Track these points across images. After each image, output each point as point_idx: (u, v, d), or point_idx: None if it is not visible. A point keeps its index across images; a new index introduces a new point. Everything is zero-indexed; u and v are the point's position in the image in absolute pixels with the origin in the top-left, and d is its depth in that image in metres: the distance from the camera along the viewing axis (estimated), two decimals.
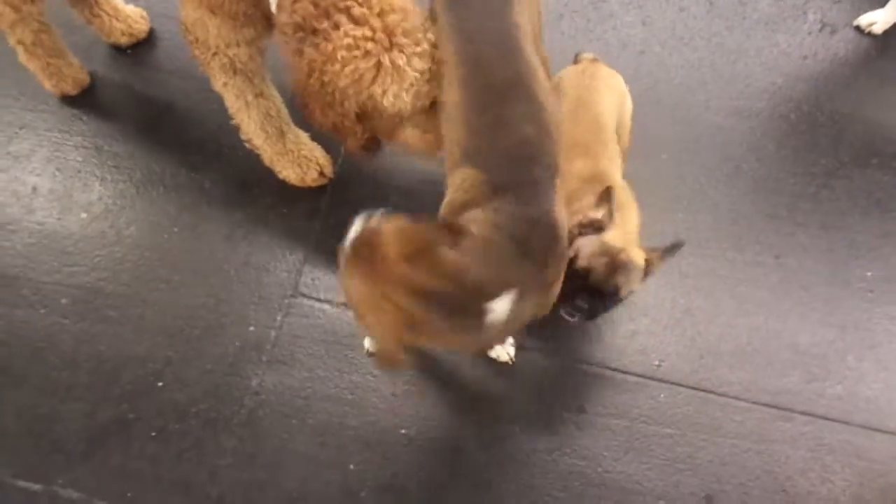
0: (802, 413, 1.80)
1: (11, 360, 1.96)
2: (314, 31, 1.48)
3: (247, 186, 2.14)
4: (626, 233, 1.55)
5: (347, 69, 1.45)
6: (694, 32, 2.37)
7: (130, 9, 2.36)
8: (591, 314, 1.54)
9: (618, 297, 1.50)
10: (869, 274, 1.96)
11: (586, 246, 1.48)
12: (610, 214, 1.49)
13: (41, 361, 1.95)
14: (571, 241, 1.47)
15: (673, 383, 1.83)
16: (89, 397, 1.89)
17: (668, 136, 2.18)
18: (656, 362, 1.85)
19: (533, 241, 1.25)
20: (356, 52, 1.45)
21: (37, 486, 1.79)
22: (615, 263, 1.45)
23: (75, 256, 2.07)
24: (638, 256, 1.48)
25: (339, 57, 1.44)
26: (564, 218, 1.32)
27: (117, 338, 1.95)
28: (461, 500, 1.72)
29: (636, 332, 1.89)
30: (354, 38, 1.44)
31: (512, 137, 1.33)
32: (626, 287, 1.49)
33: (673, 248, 1.51)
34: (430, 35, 1.51)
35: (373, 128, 1.61)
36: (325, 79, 1.48)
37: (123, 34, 2.35)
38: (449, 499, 1.73)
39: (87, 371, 1.92)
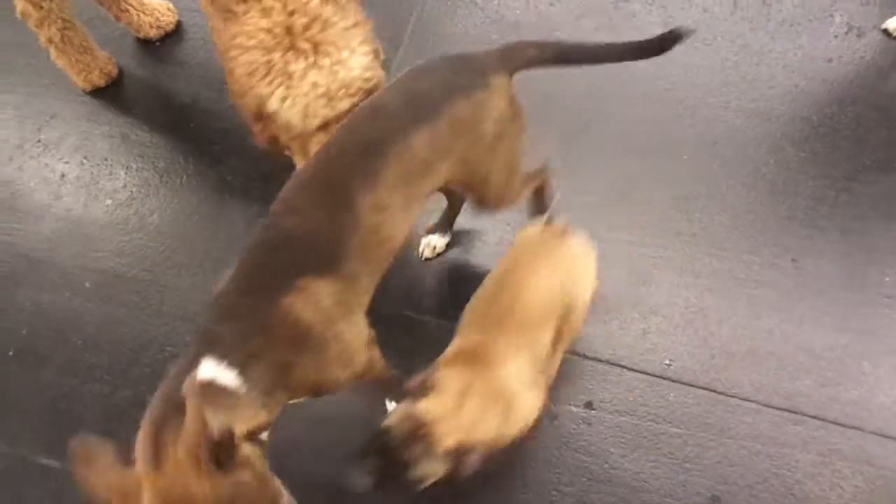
0: (814, 417, 1.78)
1: (37, 341, 2.03)
2: (229, 11, 1.46)
3: (267, 178, 2.18)
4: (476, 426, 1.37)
5: (243, 57, 1.43)
6: (717, 33, 2.36)
7: (157, 2, 2.41)
8: (381, 479, 1.32)
9: (409, 470, 1.31)
10: (887, 279, 1.93)
11: (400, 408, 1.37)
12: (424, 388, 1.37)
13: (65, 343, 2.01)
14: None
15: (683, 383, 1.82)
16: (109, 379, 1.94)
17: (688, 137, 2.17)
18: (667, 361, 1.85)
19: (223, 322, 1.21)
20: (252, 42, 1.41)
21: (56, 463, 1.85)
22: (417, 434, 1.30)
23: (100, 242, 2.14)
24: (452, 442, 1.31)
25: (237, 43, 1.42)
26: (290, 316, 1.22)
27: (138, 321, 2.00)
28: (467, 492, 1.73)
29: (648, 331, 1.89)
30: (256, 27, 1.41)
31: (286, 224, 1.28)
32: (420, 465, 1.31)
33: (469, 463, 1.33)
34: (359, 59, 1.45)
35: (270, 133, 1.55)
36: (230, 65, 1.45)
37: (152, 27, 2.41)
38: (455, 491, 1.73)
39: (108, 353, 1.98)
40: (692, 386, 1.82)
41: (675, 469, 1.73)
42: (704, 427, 1.77)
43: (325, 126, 1.49)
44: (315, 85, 1.43)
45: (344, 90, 1.46)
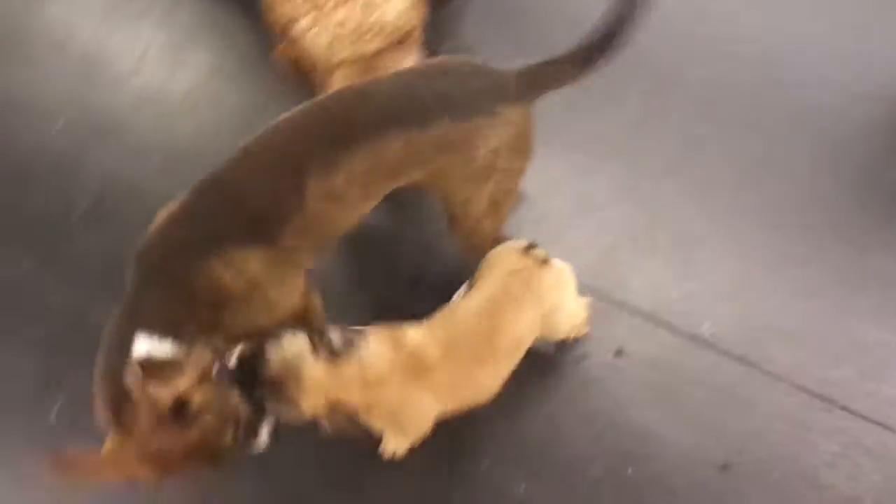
0: (844, 408, 1.75)
1: (101, 209, 2.10)
2: None
3: None
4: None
5: None
6: (819, 3, 2.22)
7: None
8: (240, 378, 1.28)
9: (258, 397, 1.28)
10: None
11: (296, 348, 1.28)
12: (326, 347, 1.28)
13: (125, 210, 2.08)
14: None
15: (719, 349, 1.80)
16: None
17: (773, 105, 2.09)
18: (707, 325, 1.83)
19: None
20: None
21: None
22: (282, 387, 1.25)
23: (174, 118, 2.18)
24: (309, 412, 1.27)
25: None
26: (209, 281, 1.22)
27: None
28: (483, 424, 1.74)
29: (693, 292, 1.86)
30: None
31: (231, 180, 1.26)
32: (270, 404, 1.28)
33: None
34: (397, 2, 1.44)
35: (298, 58, 1.55)
36: None
37: None
38: (471, 420, 1.65)
39: None
40: (727, 354, 1.80)
41: (693, 431, 1.74)
42: (731, 396, 1.76)
43: (349, 63, 1.47)
44: (343, 21, 1.42)
45: (374, 31, 1.44)
